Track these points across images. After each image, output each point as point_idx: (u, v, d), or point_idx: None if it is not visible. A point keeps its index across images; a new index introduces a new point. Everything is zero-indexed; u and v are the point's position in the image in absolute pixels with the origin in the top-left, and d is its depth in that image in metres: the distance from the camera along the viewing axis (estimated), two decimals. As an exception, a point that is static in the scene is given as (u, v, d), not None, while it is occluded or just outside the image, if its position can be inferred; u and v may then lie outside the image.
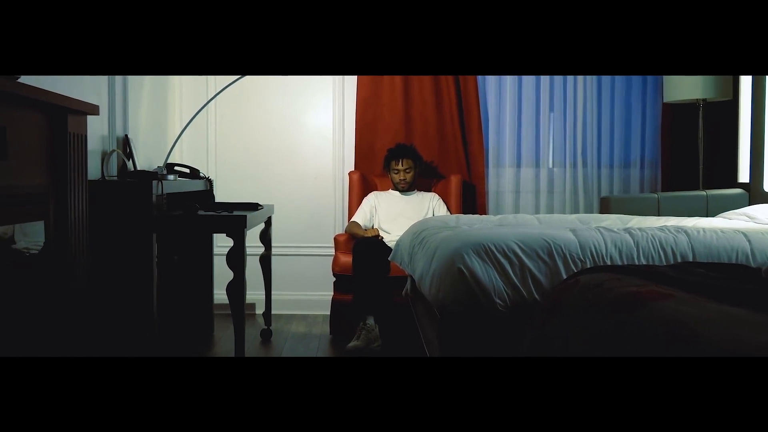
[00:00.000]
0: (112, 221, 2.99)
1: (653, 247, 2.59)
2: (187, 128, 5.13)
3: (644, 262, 2.53)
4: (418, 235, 3.26)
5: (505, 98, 5.14)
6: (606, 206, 4.15)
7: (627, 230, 2.70)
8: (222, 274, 3.70)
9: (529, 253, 2.52)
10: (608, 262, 2.53)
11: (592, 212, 5.12)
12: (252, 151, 5.19)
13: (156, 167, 3.64)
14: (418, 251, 3.05)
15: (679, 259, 2.53)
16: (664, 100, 4.89)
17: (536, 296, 2.48)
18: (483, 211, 5.06)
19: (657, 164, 5.19)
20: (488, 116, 5.15)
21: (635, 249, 2.58)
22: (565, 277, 2.47)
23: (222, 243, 4.46)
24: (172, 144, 4.06)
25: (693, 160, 4.93)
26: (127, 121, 3.86)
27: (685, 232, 2.67)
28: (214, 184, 4.39)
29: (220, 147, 5.19)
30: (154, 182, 3.07)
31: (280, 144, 5.18)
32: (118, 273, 3.01)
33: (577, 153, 5.13)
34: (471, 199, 5.06)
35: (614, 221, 3.41)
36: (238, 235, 3.17)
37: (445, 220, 3.46)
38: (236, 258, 3.19)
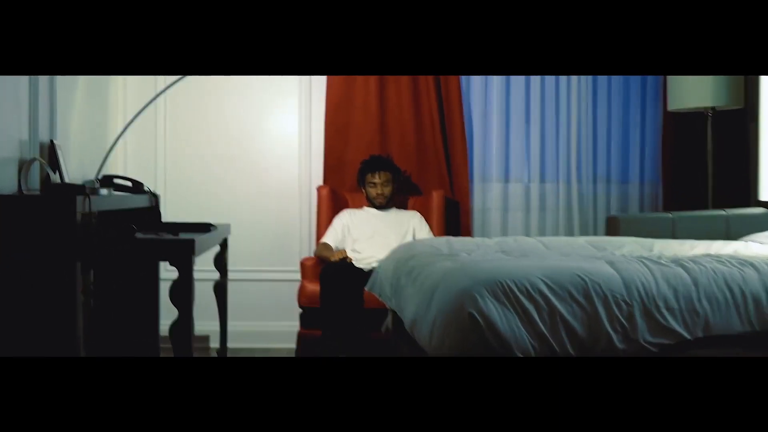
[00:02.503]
0: (28, 244, 2.37)
1: (716, 285, 2.05)
2: (133, 135, 4.52)
3: (707, 305, 2.00)
4: (404, 263, 2.69)
5: (492, 105, 4.61)
6: (614, 227, 3.64)
7: (678, 262, 2.16)
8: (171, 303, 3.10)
9: (560, 293, 1.96)
10: (660, 305, 1.98)
11: (588, 233, 4.61)
12: (207, 162, 4.57)
13: (86, 180, 3.02)
14: (406, 285, 2.48)
15: (750, 301, 2.01)
16: (668, 109, 4.40)
17: (570, 350, 1.93)
18: (468, 231, 4.51)
19: (658, 180, 4.71)
20: (473, 125, 4.62)
21: (694, 288, 2.04)
22: (607, 324, 1.92)
23: (171, 268, 3.83)
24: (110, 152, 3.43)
25: (699, 175, 4.46)
26: (55, 123, 3.22)
27: (752, 265, 2.14)
28: (161, 199, 3.76)
29: (170, 157, 4.56)
30: (79, 198, 2.45)
31: (238, 154, 4.58)
32: (35, 308, 2.39)
33: (570, 167, 4.62)
34: (454, 217, 4.51)
35: (634, 246, 2.88)
36: (183, 265, 2.56)
37: (435, 245, 2.89)
38: (182, 292, 2.58)
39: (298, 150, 4.59)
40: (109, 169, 4.15)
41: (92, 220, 2.69)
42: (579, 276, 2.01)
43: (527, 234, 4.57)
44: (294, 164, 4.59)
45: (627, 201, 4.69)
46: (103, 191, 2.86)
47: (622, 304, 1.97)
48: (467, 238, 3.21)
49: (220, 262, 3.74)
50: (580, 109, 4.60)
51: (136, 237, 2.63)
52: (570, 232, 4.60)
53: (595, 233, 4.62)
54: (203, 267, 3.84)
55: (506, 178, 4.64)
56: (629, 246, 2.86)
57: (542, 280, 1.98)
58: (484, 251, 2.67)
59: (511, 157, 4.64)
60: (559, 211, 4.61)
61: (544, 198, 4.62)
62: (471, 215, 4.55)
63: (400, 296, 2.55)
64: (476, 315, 1.90)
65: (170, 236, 2.69)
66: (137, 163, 4.54)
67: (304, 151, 4.59)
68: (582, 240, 3.15)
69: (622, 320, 1.96)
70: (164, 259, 2.71)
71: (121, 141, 4.48)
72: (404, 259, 2.75)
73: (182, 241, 2.58)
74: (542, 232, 4.59)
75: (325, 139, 4.49)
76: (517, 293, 1.94)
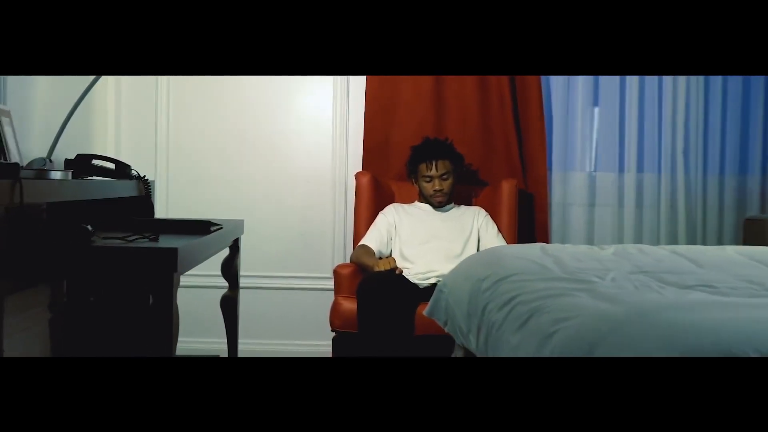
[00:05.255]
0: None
1: None
2: (128, 111, 3.65)
3: None
4: (493, 286, 1.79)
5: (577, 80, 3.67)
6: (757, 231, 2.69)
7: None
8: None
9: None
10: None
11: (696, 235, 3.69)
12: (220, 145, 3.69)
13: (38, 158, 2.16)
14: (504, 324, 1.58)
15: None
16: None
17: None
18: (544, 230, 3.60)
19: (785, 170, 3.75)
20: (552, 103, 3.69)
21: None
22: None
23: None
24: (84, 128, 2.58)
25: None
26: (4, 86, 2.37)
27: None
28: (154, 187, 2.90)
29: (174, 139, 3.68)
30: (3, 182, 1.60)
31: (260, 135, 3.69)
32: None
33: (676, 154, 3.67)
34: (527, 213, 3.60)
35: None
36: (159, 288, 1.68)
37: (532, 258, 1.99)
38: (158, 328, 1.70)
39: (332, 130, 3.69)
40: (93, 150, 3.31)
41: (40, 215, 1.85)
42: None
43: (620, 237, 3.65)
44: (327, 147, 3.70)
45: (744, 196, 3.73)
46: (56, 174, 1.98)
47: None
48: (569, 247, 2.30)
49: (230, 269, 2.86)
50: (689, 87, 3.65)
51: (91, 243, 1.76)
52: (673, 235, 3.66)
53: (704, 237, 3.67)
54: (211, 272, 2.98)
55: (594, 167, 3.71)
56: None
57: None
58: (619, 272, 1.75)
59: (601, 141, 3.71)
60: (660, 208, 3.67)
61: (642, 191, 3.68)
62: (549, 211, 3.62)
63: (491, 339, 1.65)
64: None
65: (145, 242, 1.81)
66: (133, 145, 3.67)
67: (339, 131, 3.69)
68: (731, 251, 2.25)
69: None
70: (133, 276, 1.84)
71: (112, 118, 3.65)
72: (490, 279, 1.84)
73: (157, 252, 1.70)
74: (638, 234, 3.66)
75: (365, 117, 3.60)
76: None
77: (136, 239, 1.84)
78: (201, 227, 2.19)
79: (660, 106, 3.67)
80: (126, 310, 2.78)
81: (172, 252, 1.68)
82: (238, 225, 2.79)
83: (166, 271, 1.69)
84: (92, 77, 2.33)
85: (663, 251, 2.22)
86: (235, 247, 2.84)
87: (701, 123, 3.67)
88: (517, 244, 3.02)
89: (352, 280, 3.07)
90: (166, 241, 1.84)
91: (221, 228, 2.36)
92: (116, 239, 1.82)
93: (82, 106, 3.21)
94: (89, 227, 1.78)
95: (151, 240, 1.84)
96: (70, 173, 2.12)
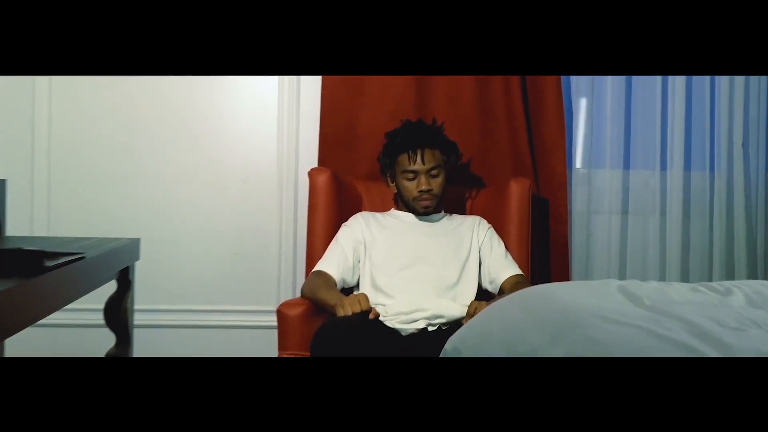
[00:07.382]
0: None
1: None
2: None
3: None
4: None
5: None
6: None
7: None
8: None
9: None
10: None
11: (759, 249, 2.90)
12: (126, 132, 2.72)
13: None
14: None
15: None
16: None
17: None
18: (563, 246, 2.73)
19: None
20: (571, 83, 2.84)
21: None
22: None
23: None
24: None
25: None
26: None
27: None
28: (8, 190, 1.92)
29: (58, 122, 2.70)
30: None
31: (180, 118, 2.74)
32: None
33: (733, 149, 2.85)
34: (540, 224, 2.72)
35: None
36: None
37: (632, 316, 1.09)
38: None
39: (278, 112, 2.75)
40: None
41: None
42: None
43: (663, 253, 2.80)
44: (271, 135, 2.75)
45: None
46: None
47: None
48: (664, 288, 1.40)
49: (116, 314, 1.87)
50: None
51: None
52: (728, 249, 2.85)
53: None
54: (92, 304, 2.00)
55: (626, 164, 2.85)
56: None
57: None
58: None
59: (634, 133, 2.86)
60: (713, 216, 2.84)
61: (689, 194, 2.85)
62: (569, 221, 2.74)
63: None
64: None
65: None
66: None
67: (288, 113, 2.75)
68: None
69: None
70: None
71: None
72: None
73: None
74: (685, 249, 2.82)
75: (322, 94, 2.68)
76: None
77: None
78: (28, 263, 1.21)
79: (713, 86, 2.84)
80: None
81: None
82: (129, 247, 1.81)
83: None
84: None
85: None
86: (124, 282, 1.87)
87: (764, 108, 2.85)
88: (575, 282, 2.10)
89: (303, 326, 2.11)
90: None
91: (81, 258, 1.39)
92: None
93: None
94: None
95: None
96: None
